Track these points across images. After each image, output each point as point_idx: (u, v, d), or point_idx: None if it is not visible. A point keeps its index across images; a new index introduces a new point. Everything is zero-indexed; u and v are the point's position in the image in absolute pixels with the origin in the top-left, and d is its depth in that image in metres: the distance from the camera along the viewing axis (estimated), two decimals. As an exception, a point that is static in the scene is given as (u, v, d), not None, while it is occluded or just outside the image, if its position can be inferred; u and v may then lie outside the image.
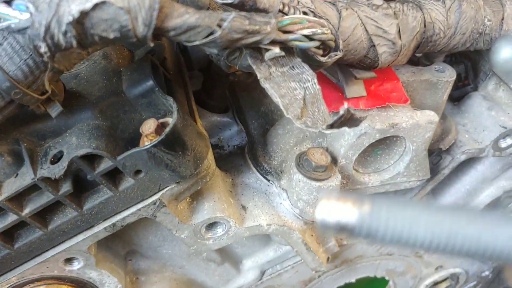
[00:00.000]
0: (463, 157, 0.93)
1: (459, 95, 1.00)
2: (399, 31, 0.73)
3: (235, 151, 0.89)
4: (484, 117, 0.94)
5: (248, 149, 0.86)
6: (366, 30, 0.70)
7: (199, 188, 0.71)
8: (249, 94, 0.91)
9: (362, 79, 0.76)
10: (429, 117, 0.79)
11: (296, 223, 0.81)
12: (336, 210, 0.44)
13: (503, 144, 0.92)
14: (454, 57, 1.01)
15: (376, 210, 0.44)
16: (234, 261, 0.93)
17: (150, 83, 0.68)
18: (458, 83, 1.00)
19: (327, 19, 0.63)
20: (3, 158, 0.63)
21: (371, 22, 0.70)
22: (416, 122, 0.78)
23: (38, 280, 0.76)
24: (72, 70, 0.71)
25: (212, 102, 0.89)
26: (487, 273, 1.20)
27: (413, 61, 0.89)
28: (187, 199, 0.74)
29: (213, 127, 0.88)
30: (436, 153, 0.95)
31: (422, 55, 0.89)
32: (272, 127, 0.84)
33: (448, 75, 0.85)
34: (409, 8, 0.75)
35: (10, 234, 0.69)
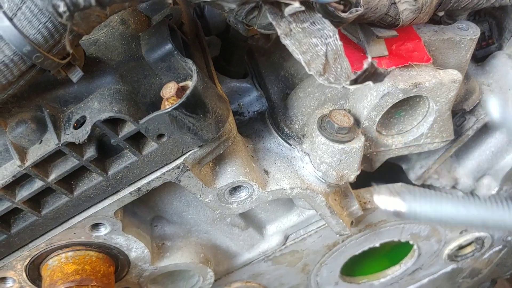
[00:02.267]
0: (487, 118, 0.91)
1: (483, 55, 0.98)
2: (421, -13, 0.71)
3: (255, 116, 0.88)
4: (509, 77, 0.92)
5: (269, 114, 0.86)
6: (387, -14, 0.68)
7: (221, 152, 0.71)
8: (268, 58, 0.90)
9: (383, 38, 0.75)
10: (453, 76, 0.78)
11: (319, 186, 0.81)
12: (389, 203, 0.63)
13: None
14: (478, 15, 0.98)
15: (418, 201, 0.63)
16: (257, 226, 0.94)
17: (169, 46, 0.68)
18: (482, 42, 0.98)
19: (347, -26, 0.62)
20: (27, 125, 0.63)
21: (393, -23, 0.68)
22: (439, 81, 0.77)
23: (65, 246, 0.78)
24: (91, 36, 0.72)
25: (231, 68, 0.89)
26: (512, 236, 1.19)
27: (435, 20, 0.86)
28: (210, 164, 0.75)
29: (233, 93, 0.88)
30: (460, 114, 0.93)
31: (444, 13, 0.86)
32: (292, 91, 0.84)
33: (471, 33, 0.83)
34: (431, -38, 0.72)
35: (37, 201, 0.70)
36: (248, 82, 0.89)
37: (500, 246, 1.21)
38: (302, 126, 0.82)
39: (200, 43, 0.81)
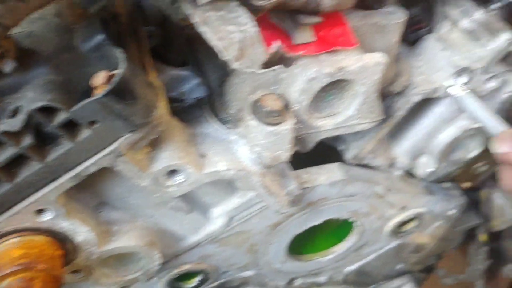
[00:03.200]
0: (417, 98, 0.96)
1: (415, 39, 1.03)
2: (342, -27, 0.75)
3: (195, 103, 0.91)
4: (438, 58, 0.97)
5: (207, 100, 0.89)
6: (306, -25, 0.72)
7: (155, 136, 0.74)
8: (208, 47, 0.93)
9: (308, 25, 0.79)
10: (377, 58, 0.82)
11: (254, 167, 0.85)
12: None
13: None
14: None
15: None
16: (202, 209, 0.98)
17: (101, 36, 0.71)
18: (414, 26, 1.03)
19: (263, -36, 0.66)
20: (-38, 117, 0.66)
21: (310, -34, 0.72)
22: (364, 64, 0.81)
23: (12, 232, 0.81)
24: (25, 28, 0.74)
25: (171, 56, 0.92)
26: (453, 211, 1.25)
27: (366, 5, 0.91)
28: (146, 149, 0.78)
29: (173, 81, 0.90)
30: (391, 95, 0.99)
31: (373, -3, 0.90)
32: (228, 77, 0.87)
33: (398, 17, 0.88)
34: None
35: (-21, 190, 0.73)
36: (189, 70, 0.93)
37: (441, 221, 1.28)
38: (238, 111, 0.86)
39: (136, 33, 0.84)
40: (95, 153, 0.72)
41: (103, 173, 0.82)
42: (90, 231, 0.85)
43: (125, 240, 0.90)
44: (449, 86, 0.93)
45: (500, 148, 0.71)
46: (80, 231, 0.84)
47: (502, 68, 0.99)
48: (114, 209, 0.90)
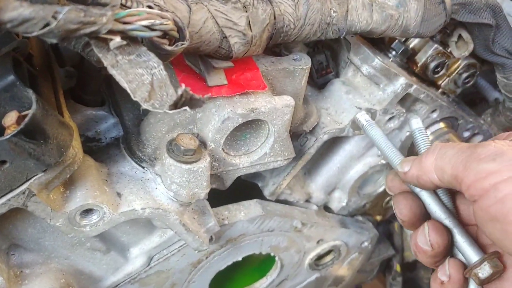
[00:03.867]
0: (325, 137, 1.03)
1: (323, 82, 1.11)
2: (249, 23, 0.81)
3: (112, 142, 0.93)
4: (343, 100, 1.06)
5: (123, 140, 0.91)
6: (217, 23, 0.77)
7: (67, 176, 0.75)
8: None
9: (221, 68, 0.84)
10: (286, 101, 0.89)
11: (171, 205, 0.87)
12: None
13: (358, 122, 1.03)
14: (316, 47, 1.12)
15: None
16: (120, 249, 0.97)
17: (11, 77, 0.71)
18: (322, 71, 1.11)
19: (173, 12, 0.70)
20: None
21: (221, 15, 0.78)
22: (273, 106, 0.87)
23: None
24: None
25: (87, 97, 0.93)
26: (366, 244, 1.32)
27: (276, 52, 0.98)
28: (60, 189, 0.78)
29: (89, 121, 0.92)
30: (302, 135, 1.05)
31: (282, 46, 0.98)
32: (145, 117, 0.90)
33: (303, 63, 0.95)
34: (259, 2, 0.83)
35: None
36: (105, 110, 0.94)
37: (356, 253, 1.34)
38: (154, 150, 0.88)
39: (51, 74, 0.85)
40: (5, 194, 0.71)
41: (14, 214, 0.80)
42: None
43: (38, 284, 0.87)
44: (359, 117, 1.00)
45: (402, 168, 0.78)
46: (-12, 276, 0.81)
47: (400, 109, 1.09)
48: (26, 251, 0.88)
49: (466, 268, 0.73)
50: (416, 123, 0.84)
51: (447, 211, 0.78)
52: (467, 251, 0.74)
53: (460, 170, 0.67)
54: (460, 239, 0.75)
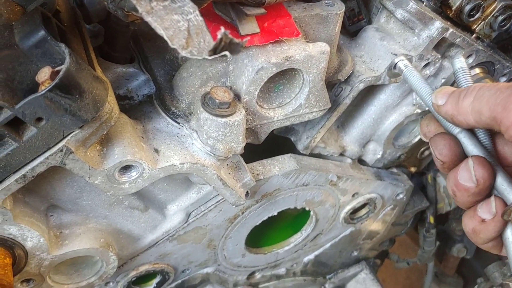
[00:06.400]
0: (361, 86, 1.00)
1: (355, 30, 1.07)
2: (282, -34, 0.77)
3: (144, 100, 0.91)
4: (377, 47, 1.01)
5: (156, 96, 0.89)
6: (249, -34, 0.74)
7: (104, 132, 0.73)
8: (154, 43, 0.93)
9: (253, 16, 0.81)
10: (321, 48, 0.85)
11: (209, 160, 0.86)
12: None
13: (395, 70, 0.99)
14: (347, -6, 1.07)
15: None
16: (158, 207, 0.97)
17: (42, 33, 0.69)
18: (354, 18, 1.07)
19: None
20: None
21: (252, -43, 0.74)
22: (308, 53, 0.84)
23: (-44, 242, 0.77)
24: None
25: (116, 54, 0.90)
26: (401, 196, 1.30)
27: (306, -2, 0.94)
28: (97, 146, 0.77)
29: (120, 78, 0.90)
30: (337, 85, 1.02)
31: (313, -10, 0.93)
32: (177, 72, 0.87)
33: (337, 8, 0.91)
34: None
35: None
36: (135, 67, 0.92)
37: (391, 206, 1.32)
38: (189, 105, 0.86)
39: (79, 30, 0.83)
40: (43, 152, 0.70)
41: (52, 173, 0.80)
42: (40, 236, 0.82)
43: (78, 243, 0.88)
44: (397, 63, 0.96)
45: (436, 100, 0.74)
46: (30, 237, 0.81)
47: (436, 55, 1.04)
48: (65, 212, 0.88)
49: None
50: (459, 62, 0.80)
51: (486, 151, 0.74)
52: (509, 191, 0.70)
53: (499, 111, 0.64)
54: (500, 179, 0.72)
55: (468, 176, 0.71)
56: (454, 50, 1.10)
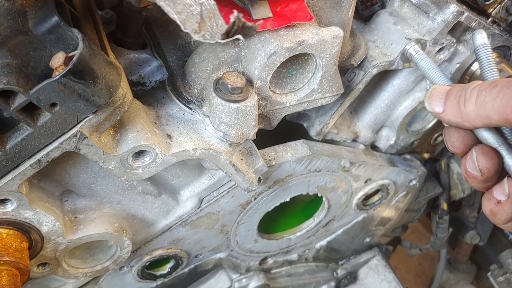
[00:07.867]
0: (375, 71, 0.99)
1: (368, 14, 1.05)
2: (295, -51, 0.76)
3: (157, 86, 0.91)
4: (391, 32, 1.00)
5: (169, 82, 0.89)
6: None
7: (118, 117, 0.74)
8: (166, 29, 0.93)
9: (265, 0, 0.80)
10: (334, 32, 0.84)
11: (221, 146, 0.86)
12: None
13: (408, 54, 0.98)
14: (361, -22, 1.05)
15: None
16: (171, 192, 0.98)
17: (55, 18, 0.69)
18: (367, 3, 1.05)
19: None
20: None
21: None
22: (321, 37, 0.83)
23: (-26, 226, 0.78)
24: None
25: (128, 40, 0.91)
26: (414, 182, 1.30)
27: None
28: (111, 132, 0.77)
29: (132, 64, 0.90)
30: (350, 70, 1.01)
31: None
32: (189, 58, 0.87)
33: (350, -8, 0.89)
34: None
35: None
36: (147, 53, 0.92)
37: (404, 192, 1.32)
38: (201, 90, 0.86)
39: (92, 16, 0.83)
40: (57, 137, 0.71)
41: (67, 159, 0.81)
42: (56, 220, 0.83)
43: (93, 228, 0.89)
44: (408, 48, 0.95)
45: (431, 108, 0.74)
46: (45, 221, 0.82)
47: (451, 39, 1.03)
48: (79, 197, 0.89)
49: None
50: (481, 38, 0.77)
51: (500, 139, 0.73)
52: None
53: (509, 112, 0.63)
54: None
55: (473, 165, 0.72)
56: (469, 35, 1.08)
